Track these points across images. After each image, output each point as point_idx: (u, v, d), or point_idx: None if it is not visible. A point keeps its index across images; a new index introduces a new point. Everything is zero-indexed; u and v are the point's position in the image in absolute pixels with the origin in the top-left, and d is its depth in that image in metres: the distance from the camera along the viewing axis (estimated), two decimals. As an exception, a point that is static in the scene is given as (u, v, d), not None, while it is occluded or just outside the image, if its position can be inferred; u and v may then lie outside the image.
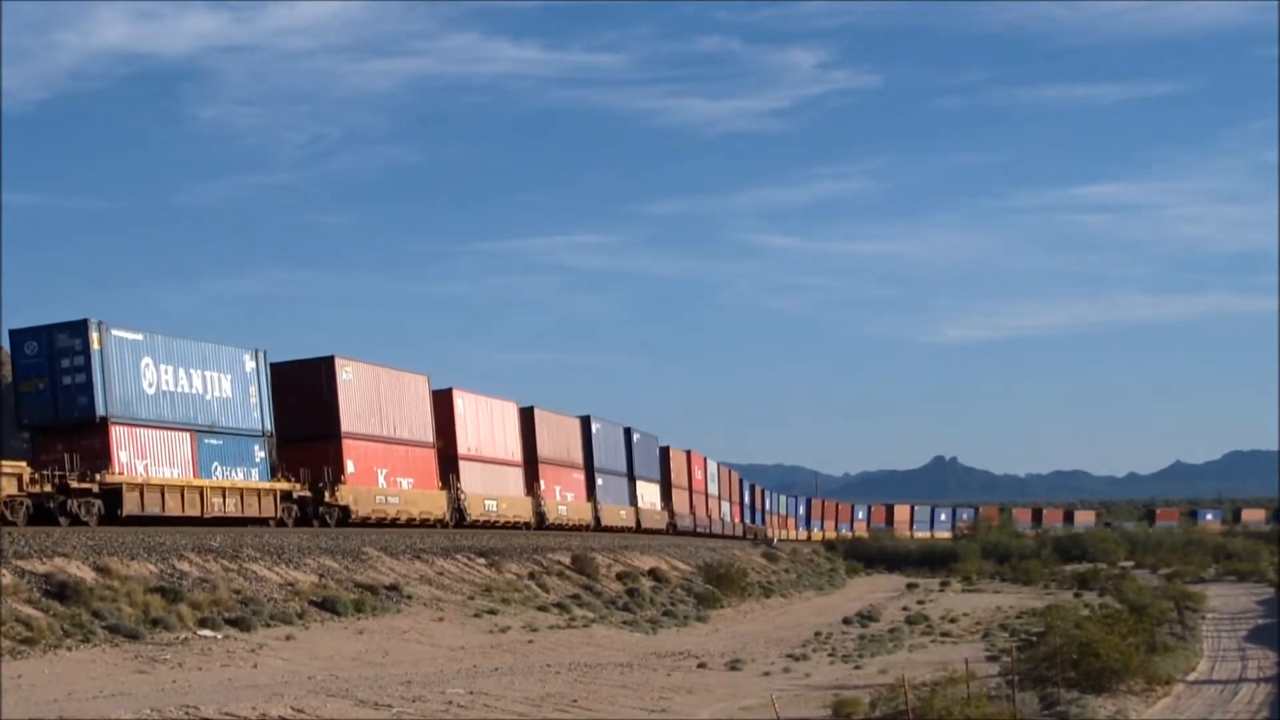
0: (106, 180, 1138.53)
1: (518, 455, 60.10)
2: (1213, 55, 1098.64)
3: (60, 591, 30.06)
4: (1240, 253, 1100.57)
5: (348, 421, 46.65)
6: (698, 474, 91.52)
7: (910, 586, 79.73)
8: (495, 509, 56.49)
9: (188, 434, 40.25)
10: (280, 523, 42.75)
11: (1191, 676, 34.35)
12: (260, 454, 43.30)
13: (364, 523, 46.57)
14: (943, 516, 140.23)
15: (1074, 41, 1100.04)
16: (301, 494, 44.14)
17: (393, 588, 40.10)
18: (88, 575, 31.68)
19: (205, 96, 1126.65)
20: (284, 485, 43.46)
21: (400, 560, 44.49)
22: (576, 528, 64.73)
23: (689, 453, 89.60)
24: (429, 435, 51.97)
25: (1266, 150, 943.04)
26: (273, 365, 45.41)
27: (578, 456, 67.53)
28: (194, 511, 39.02)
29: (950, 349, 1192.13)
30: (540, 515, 60.55)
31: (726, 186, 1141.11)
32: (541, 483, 61.62)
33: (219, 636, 30.39)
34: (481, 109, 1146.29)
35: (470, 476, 54.87)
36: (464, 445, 54.89)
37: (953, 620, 53.79)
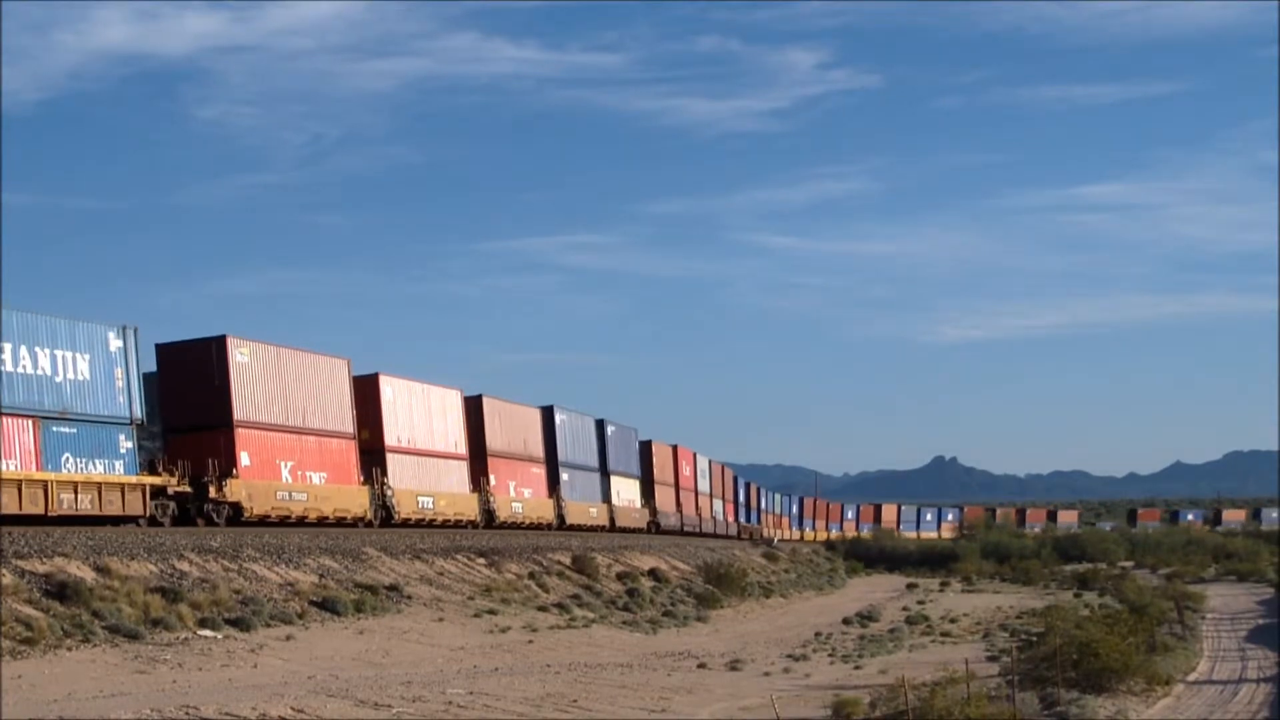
0: (106, 180, 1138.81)
1: (462, 448, 55.22)
2: (1213, 55, 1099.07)
3: (60, 591, 30.07)
4: (1240, 253, 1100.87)
5: (243, 408, 41.88)
6: (686, 470, 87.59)
7: (910, 587, 79.74)
8: (431, 506, 51.66)
9: (30, 421, 34.82)
10: (154, 521, 37.83)
11: (1191, 677, 34.33)
12: (127, 444, 37.87)
13: (262, 521, 41.83)
14: (929, 516, 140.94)
15: (1074, 41, 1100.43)
16: (179, 489, 38.99)
17: (393, 588, 40.11)
18: (88, 575, 31.69)
19: (205, 97, 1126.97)
20: (155, 479, 38.19)
21: (400, 560, 44.51)
22: (536, 526, 60.51)
23: (675, 447, 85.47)
24: (348, 425, 47.23)
25: (1266, 150, 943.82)
26: (159, 346, 41.67)
27: (537, 450, 62.63)
28: (35, 509, 33.98)
29: (950, 349, 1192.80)
30: (488, 513, 55.93)
31: (726, 186, 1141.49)
32: (491, 478, 56.88)
33: (219, 636, 30.39)
34: (481, 109, 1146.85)
35: (400, 471, 50.29)
36: (392, 436, 50.16)
37: (953, 620, 53.78)
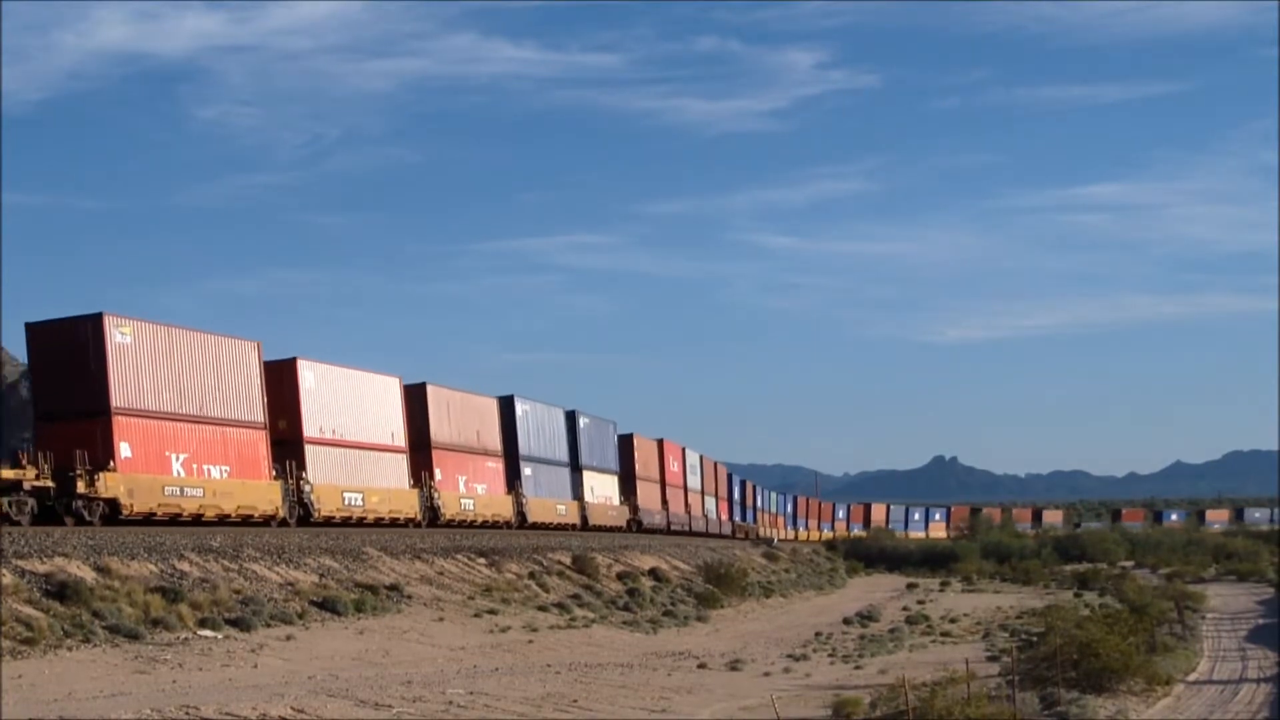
0: (106, 180, 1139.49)
1: (400, 439, 50.50)
2: (1213, 55, 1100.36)
3: (60, 591, 30.05)
4: (1240, 253, 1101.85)
5: (123, 394, 37.43)
6: (674, 466, 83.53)
7: (910, 586, 79.76)
8: (360, 503, 47.05)
9: None
10: (9, 520, 33.75)
11: (1192, 677, 34.33)
12: None
13: (148, 520, 37.71)
14: (916, 516, 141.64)
15: (1073, 42, 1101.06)
16: (39, 484, 34.88)
17: (393, 588, 40.11)
18: (88, 575, 31.68)
19: (204, 97, 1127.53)
20: (5, 473, 34.35)
21: (401, 560, 44.50)
22: (492, 525, 56.06)
23: (661, 442, 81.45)
24: (258, 414, 42.75)
25: (1266, 150, 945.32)
26: (30, 326, 37.78)
27: (494, 442, 58.02)
28: None
29: (950, 349, 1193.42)
30: (432, 510, 51.44)
31: (726, 186, 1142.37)
32: (437, 472, 52.54)
33: (219, 636, 30.38)
34: (480, 109, 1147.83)
35: (322, 464, 45.53)
36: (313, 426, 45.32)
37: (953, 620, 53.78)
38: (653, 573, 59.32)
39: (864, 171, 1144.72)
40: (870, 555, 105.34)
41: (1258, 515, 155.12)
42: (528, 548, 53.66)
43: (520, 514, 58.71)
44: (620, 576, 55.58)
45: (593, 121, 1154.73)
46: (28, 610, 28.48)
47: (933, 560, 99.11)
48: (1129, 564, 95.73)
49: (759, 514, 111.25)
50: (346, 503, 46.52)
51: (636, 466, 75.32)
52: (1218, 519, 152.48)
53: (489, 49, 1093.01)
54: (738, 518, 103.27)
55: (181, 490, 39.11)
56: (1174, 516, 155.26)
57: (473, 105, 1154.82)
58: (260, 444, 42.91)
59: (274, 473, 43.23)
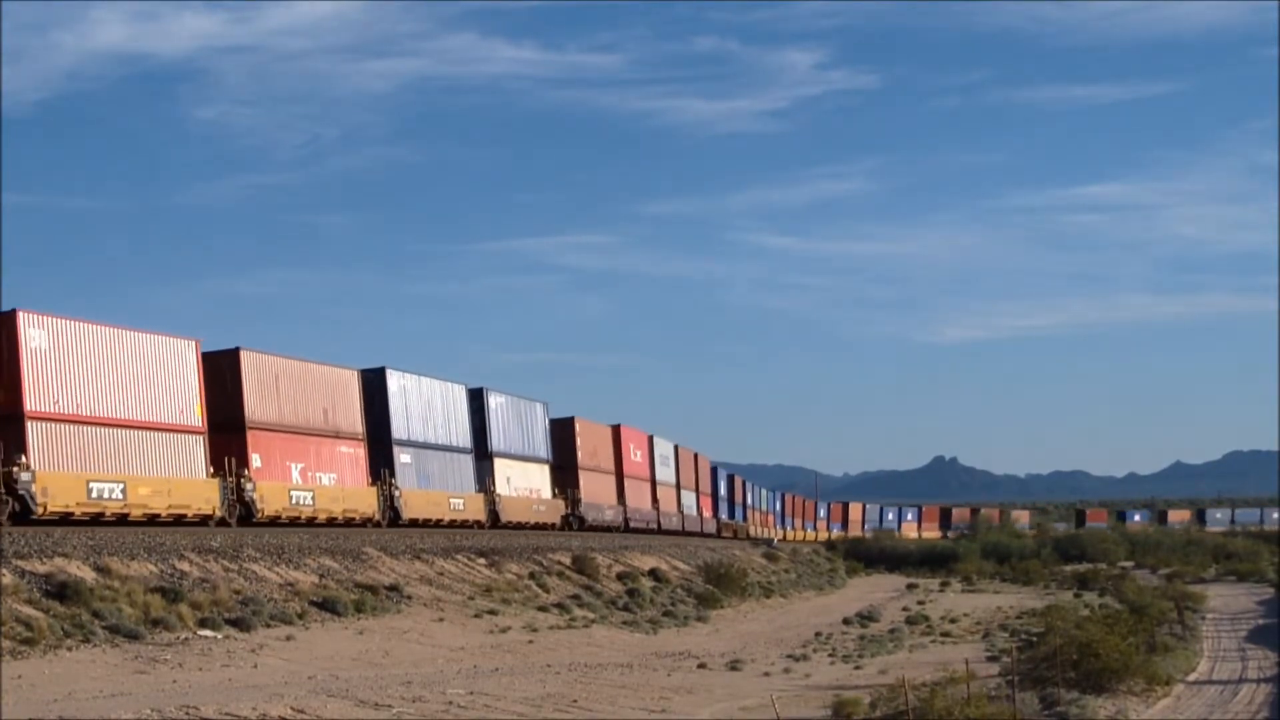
0: (105, 180, 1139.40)
1: (194, 419, 40.85)
2: (1212, 55, 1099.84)
3: (60, 591, 30.07)
4: (1239, 253, 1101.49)
5: None
6: (635, 455, 74.65)
7: (910, 587, 79.74)
8: (121, 495, 37.28)
9: None
10: None
11: (1192, 677, 34.34)
12: None
13: None
14: (890, 516, 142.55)
15: (1071, 42, 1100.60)
16: None
17: (393, 588, 40.12)
18: (88, 575, 31.70)
19: (203, 97, 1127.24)
20: None
21: (400, 560, 44.51)
22: (346, 522, 46.34)
23: (617, 428, 72.74)
24: None
25: (1265, 150, 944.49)
26: None
27: (352, 424, 48.22)
28: None
29: (950, 349, 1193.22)
30: (245, 504, 41.41)
31: (725, 186, 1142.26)
32: (255, 458, 42.54)
33: (219, 636, 30.39)
34: (479, 109, 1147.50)
35: (57, 447, 36.05)
36: (44, 400, 35.64)
37: (953, 620, 53.77)
38: (653, 573, 59.35)
39: (864, 171, 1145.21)
40: (870, 555, 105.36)
41: (1219, 516, 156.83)
42: (527, 548, 53.68)
43: (392, 509, 49.13)
44: (620, 577, 55.60)
45: (592, 121, 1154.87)
46: (28, 610, 28.49)
47: (932, 560, 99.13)
48: (1129, 564, 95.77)
49: (749, 511, 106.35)
50: (98, 495, 36.75)
51: (580, 455, 66.65)
52: (1179, 519, 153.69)
53: (488, 49, 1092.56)
54: (725, 515, 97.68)
55: None
56: (1136, 517, 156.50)
57: (472, 105, 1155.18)
58: None
59: None
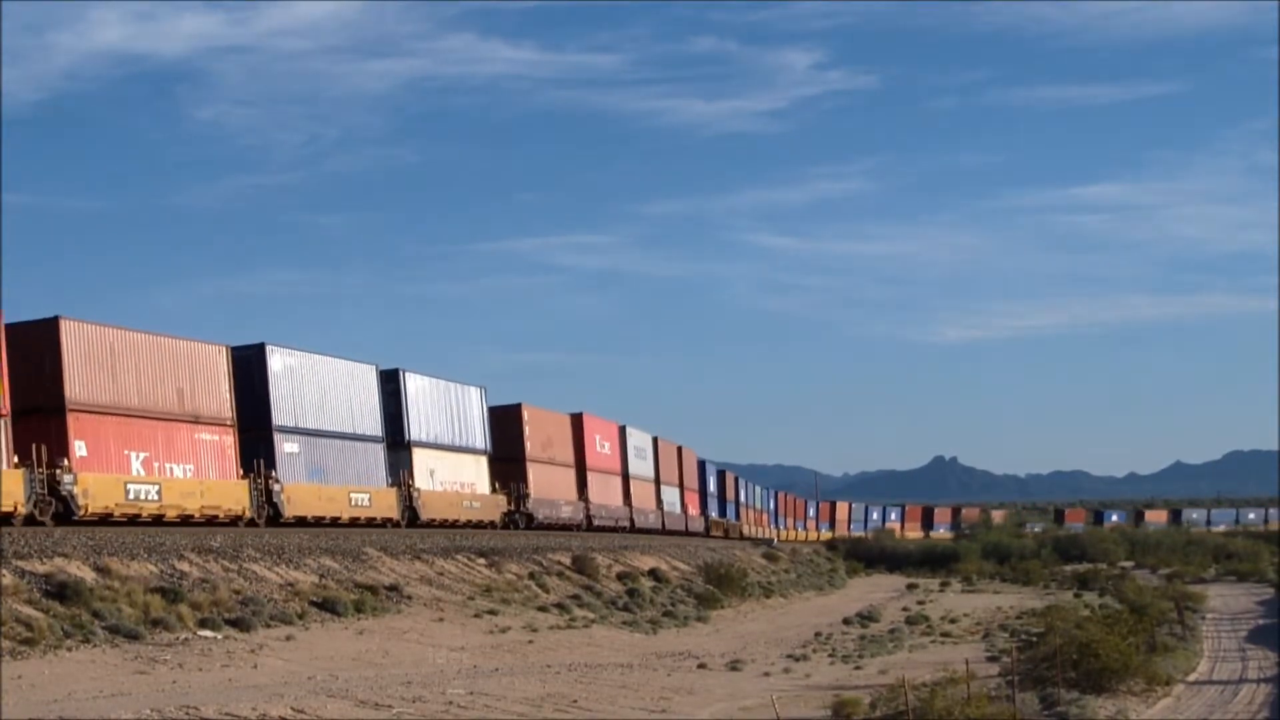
0: (103, 180, 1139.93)
1: None
2: (1211, 55, 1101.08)
3: (60, 592, 30.06)
4: (1239, 253, 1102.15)
5: None
6: (604, 448, 69.15)
7: (910, 587, 79.77)
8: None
9: None
10: None
11: (1192, 677, 34.35)
12: None
13: None
14: (874, 515, 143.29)
15: (1071, 42, 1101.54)
16: None
17: (393, 588, 40.11)
18: (88, 575, 31.69)
19: (202, 97, 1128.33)
20: None
21: (400, 560, 44.50)
22: (208, 520, 40.00)
23: (579, 417, 66.67)
24: None
25: (1264, 150, 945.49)
26: None
27: (218, 408, 41.53)
28: None
29: (950, 349, 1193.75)
30: (61, 499, 34.67)
31: (724, 187, 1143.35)
32: (78, 445, 35.96)
33: (219, 637, 30.38)
34: (478, 109, 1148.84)
35: None
36: None
37: (953, 621, 53.78)
38: (652, 573, 59.35)
39: (863, 171, 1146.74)
40: (870, 556, 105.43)
41: (1195, 516, 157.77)
42: (528, 548, 53.65)
43: (270, 504, 42.82)
44: (620, 577, 55.60)
45: (591, 121, 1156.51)
46: (28, 610, 28.48)
47: (933, 561, 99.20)
48: (1129, 564, 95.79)
49: (742, 510, 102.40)
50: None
51: (529, 446, 60.61)
52: (1156, 520, 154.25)
53: (487, 49, 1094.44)
54: (715, 513, 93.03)
55: None
56: (1115, 518, 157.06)
57: (471, 105, 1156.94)
58: None
59: None
